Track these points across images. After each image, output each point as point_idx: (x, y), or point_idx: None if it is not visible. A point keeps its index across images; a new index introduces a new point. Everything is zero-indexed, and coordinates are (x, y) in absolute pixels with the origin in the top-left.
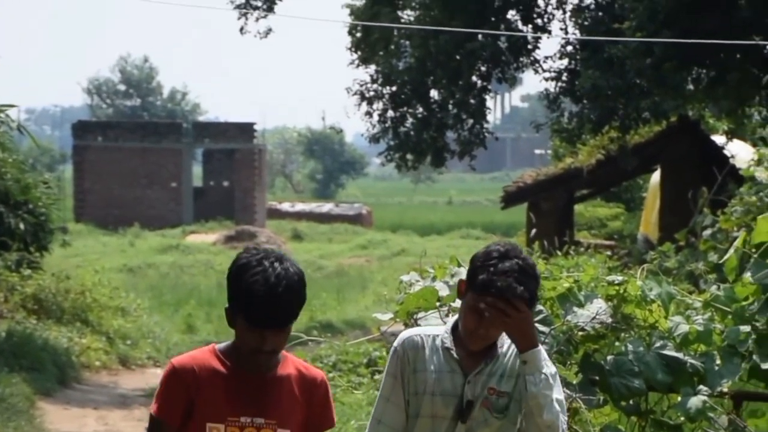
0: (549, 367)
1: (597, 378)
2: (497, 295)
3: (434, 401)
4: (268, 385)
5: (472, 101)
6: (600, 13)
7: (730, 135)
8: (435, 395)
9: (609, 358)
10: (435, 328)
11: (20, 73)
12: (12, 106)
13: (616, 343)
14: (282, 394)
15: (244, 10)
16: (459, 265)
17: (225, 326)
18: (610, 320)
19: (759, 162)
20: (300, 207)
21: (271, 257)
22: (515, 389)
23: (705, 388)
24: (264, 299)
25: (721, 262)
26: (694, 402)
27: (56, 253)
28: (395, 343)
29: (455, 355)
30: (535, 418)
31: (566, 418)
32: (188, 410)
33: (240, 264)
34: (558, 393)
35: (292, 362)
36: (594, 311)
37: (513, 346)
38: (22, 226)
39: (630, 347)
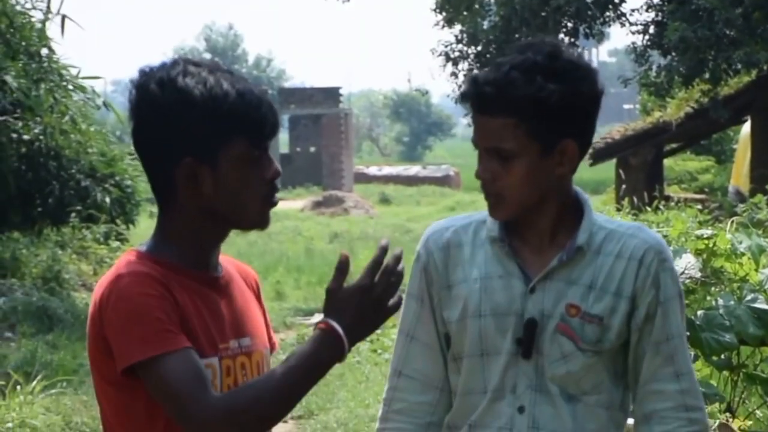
0: None
1: (688, 333)
2: None
3: (483, 327)
4: (230, 288)
5: None
6: None
7: None
8: (483, 316)
9: (699, 313)
10: (477, 213)
11: (105, 45)
12: (97, 77)
13: (707, 298)
14: (247, 301)
15: None
16: None
17: (314, 293)
18: (699, 275)
19: None
20: (387, 170)
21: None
22: (614, 314)
23: None
24: (259, 97)
25: None
26: None
27: (143, 224)
28: (418, 246)
29: (509, 250)
30: None
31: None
32: None
33: (188, 87)
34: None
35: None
36: (683, 266)
37: (617, 241)
38: (107, 199)
39: (720, 301)
